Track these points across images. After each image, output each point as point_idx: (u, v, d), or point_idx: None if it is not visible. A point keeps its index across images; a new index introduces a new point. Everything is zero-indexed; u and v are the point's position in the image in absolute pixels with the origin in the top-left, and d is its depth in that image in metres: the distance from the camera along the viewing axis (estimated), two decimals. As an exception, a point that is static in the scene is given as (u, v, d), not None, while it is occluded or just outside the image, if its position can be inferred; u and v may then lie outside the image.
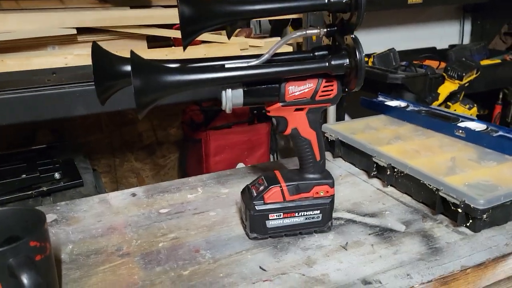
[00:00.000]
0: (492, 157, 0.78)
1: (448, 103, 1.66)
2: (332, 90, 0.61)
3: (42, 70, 1.10)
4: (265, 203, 0.64)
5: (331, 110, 1.53)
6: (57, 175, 1.23)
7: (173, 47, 1.29)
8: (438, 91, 1.59)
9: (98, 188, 1.34)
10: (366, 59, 1.66)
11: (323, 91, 0.61)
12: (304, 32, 0.60)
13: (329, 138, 0.94)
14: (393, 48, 1.72)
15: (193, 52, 1.28)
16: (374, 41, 1.95)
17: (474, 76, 1.58)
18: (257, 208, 0.63)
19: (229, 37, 0.62)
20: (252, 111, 1.58)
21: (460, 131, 0.85)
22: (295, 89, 0.60)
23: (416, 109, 0.98)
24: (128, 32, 1.24)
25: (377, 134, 0.93)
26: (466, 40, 2.39)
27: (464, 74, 1.53)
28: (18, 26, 1.13)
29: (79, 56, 1.16)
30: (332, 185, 0.66)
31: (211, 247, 0.64)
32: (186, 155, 1.71)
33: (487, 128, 0.84)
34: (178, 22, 1.35)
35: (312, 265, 0.59)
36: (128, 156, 1.81)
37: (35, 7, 1.23)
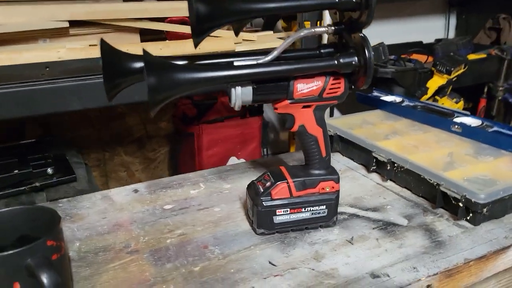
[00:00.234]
0: (489, 152, 0.80)
1: (436, 97, 1.69)
2: (339, 87, 0.62)
3: (34, 64, 1.08)
4: (272, 199, 0.65)
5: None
6: (50, 170, 1.22)
7: (167, 40, 1.28)
8: (427, 85, 1.62)
9: (91, 183, 1.33)
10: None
11: (330, 89, 0.62)
12: (313, 30, 0.61)
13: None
14: (383, 43, 1.74)
15: (186, 45, 1.27)
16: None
17: (462, 70, 1.62)
18: (264, 204, 0.64)
19: (237, 34, 0.62)
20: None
21: (456, 126, 0.87)
22: (303, 87, 0.61)
23: (411, 104, 1.00)
24: (121, 25, 1.23)
25: (374, 129, 0.94)
26: (451, 34, 2.43)
27: (452, 69, 1.56)
28: (6, 19, 1.11)
29: (72, 50, 1.14)
30: (337, 181, 0.67)
31: (219, 243, 0.65)
32: (178, 149, 1.71)
33: (483, 123, 0.86)
34: (171, 15, 1.32)
35: (320, 260, 0.61)
36: (118, 150, 1.79)
37: (23, -1, 1.21)
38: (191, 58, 0.61)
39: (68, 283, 0.52)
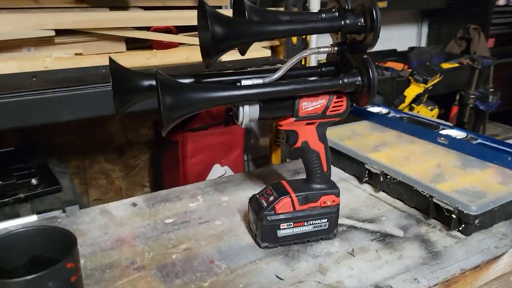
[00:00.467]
0: (475, 164, 0.84)
1: (413, 105, 1.75)
2: (342, 105, 0.64)
3: (21, 74, 1.06)
4: (276, 213, 0.66)
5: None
6: (34, 181, 1.20)
7: (154, 50, 1.28)
8: (405, 93, 1.68)
9: (75, 194, 1.31)
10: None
11: (333, 107, 0.64)
12: (317, 50, 0.63)
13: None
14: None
15: (174, 55, 1.28)
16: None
17: (438, 79, 1.68)
18: (269, 219, 0.66)
19: (243, 54, 0.63)
20: (228, 112, 1.59)
21: (442, 138, 0.91)
22: (308, 105, 0.63)
23: (397, 115, 1.04)
24: (107, 34, 1.22)
25: (364, 140, 0.97)
26: (423, 43, 2.52)
27: (429, 78, 1.62)
28: (-8, 27, 1.08)
29: (59, 59, 1.13)
30: (338, 195, 0.69)
31: (224, 257, 0.66)
32: (161, 157, 1.70)
33: (467, 136, 0.90)
34: (158, 24, 1.32)
35: (325, 273, 0.62)
36: (98, 157, 1.77)
37: (7, 6, 1.18)
38: (197, 76, 0.62)
39: (83, 304, 0.52)
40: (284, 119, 0.64)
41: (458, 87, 1.98)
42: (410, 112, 1.06)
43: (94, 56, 1.18)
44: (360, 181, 0.89)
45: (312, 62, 1.20)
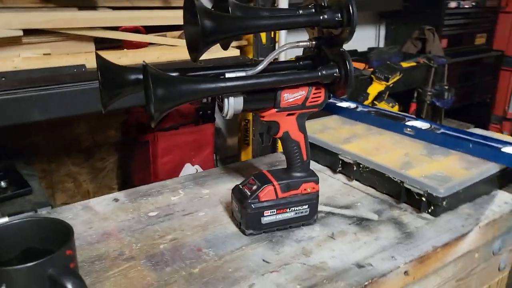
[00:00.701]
0: (439, 151, 0.90)
1: (375, 102, 1.82)
2: (320, 96, 0.68)
3: (-12, 74, 1.04)
4: (260, 201, 0.69)
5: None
6: (3, 184, 1.17)
7: (125, 50, 1.28)
8: (368, 91, 1.75)
9: (45, 196, 1.29)
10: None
11: (313, 98, 0.68)
12: (296, 44, 0.66)
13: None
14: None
15: (146, 54, 1.28)
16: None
17: (398, 77, 1.76)
18: (253, 206, 0.68)
19: (225, 49, 0.66)
20: (198, 112, 1.60)
21: (409, 129, 0.97)
22: (289, 96, 0.66)
23: (365, 110, 1.09)
24: (75, 34, 1.21)
25: (336, 133, 1.02)
26: (381, 44, 2.62)
27: (390, 76, 1.70)
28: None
29: (28, 59, 1.11)
30: (317, 182, 0.73)
31: (211, 245, 0.68)
32: (131, 157, 1.69)
33: (431, 126, 0.96)
34: (128, 24, 1.32)
35: (309, 255, 0.66)
36: (65, 160, 1.74)
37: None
38: (182, 70, 0.64)
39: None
40: (266, 110, 0.67)
41: (416, 84, 2.08)
42: (376, 107, 1.12)
43: (64, 56, 1.17)
44: (334, 171, 0.93)
45: (281, 57, 1.24)
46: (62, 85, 1.07)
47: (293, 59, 0.71)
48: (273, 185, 0.70)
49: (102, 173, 1.86)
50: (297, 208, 0.71)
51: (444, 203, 0.75)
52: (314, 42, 0.67)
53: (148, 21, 1.30)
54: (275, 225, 0.71)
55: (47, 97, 1.05)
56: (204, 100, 1.65)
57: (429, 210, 0.76)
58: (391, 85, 1.75)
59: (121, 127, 1.75)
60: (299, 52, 0.73)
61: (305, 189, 0.71)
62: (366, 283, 0.60)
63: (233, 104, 0.63)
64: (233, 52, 1.43)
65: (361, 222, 0.75)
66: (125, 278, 0.60)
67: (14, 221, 0.52)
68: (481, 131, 0.97)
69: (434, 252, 0.68)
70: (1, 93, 1.00)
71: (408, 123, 0.99)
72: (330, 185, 0.88)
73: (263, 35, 1.30)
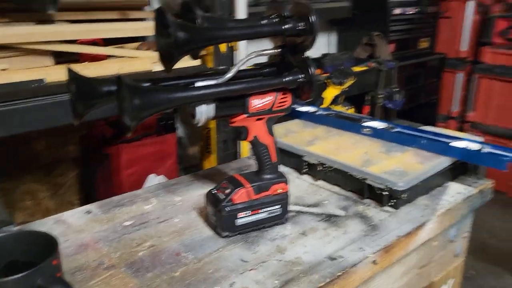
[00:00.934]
0: (396, 148, 0.96)
1: (331, 106, 1.89)
2: (286, 101, 0.72)
3: None
4: (233, 204, 0.72)
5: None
6: (-38, 204, 1.13)
7: (86, 62, 1.27)
8: (323, 95, 1.81)
9: (6, 214, 1.25)
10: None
11: (279, 103, 0.72)
12: (262, 52, 0.70)
13: (258, 143, 1.04)
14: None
15: (106, 67, 1.28)
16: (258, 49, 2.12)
17: (352, 81, 1.84)
18: (227, 209, 0.71)
19: (195, 58, 0.69)
20: (159, 122, 1.61)
21: (366, 129, 1.03)
22: (257, 102, 0.70)
23: (325, 113, 1.14)
24: (33, 48, 1.20)
25: (298, 136, 1.06)
26: (333, 50, 2.72)
27: (344, 81, 1.78)
28: None
29: (-15, 74, 1.09)
30: (286, 183, 0.76)
31: (189, 249, 0.70)
32: (94, 171, 1.67)
33: (387, 125, 1.03)
34: (88, 37, 1.32)
35: (284, 252, 0.69)
36: (23, 178, 1.69)
37: None
38: (153, 80, 0.66)
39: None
40: (236, 116, 0.70)
41: (368, 88, 2.18)
42: (334, 109, 1.18)
43: (22, 71, 1.16)
44: (300, 172, 0.97)
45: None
46: (23, 100, 1.06)
47: (252, 67, 0.75)
48: (246, 188, 0.73)
49: (62, 189, 1.82)
50: (269, 209, 0.75)
51: (404, 196, 0.81)
52: (278, 50, 0.71)
53: (107, 34, 1.31)
54: (249, 226, 0.74)
55: (8, 113, 1.03)
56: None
57: (391, 203, 0.82)
58: (345, 89, 1.83)
59: (82, 141, 1.72)
60: (258, 60, 0.76)
61: (275, 190, 0.75)
62: (339, 273, 0.64)
63: (205, 111, 0.66)
64: (193, 62, 1.45)
65: (329, 218, 0.79)
66: (108, 286, 0.61)
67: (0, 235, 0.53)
68: (432, 128, 1.04)
69: (398, 241, 0.73)
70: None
71: (365, 124, 1.04)
72: (298, 186, 0.92)
73: (222, 45, 1.33)
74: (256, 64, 0.73)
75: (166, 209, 0.83)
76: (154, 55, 1.41)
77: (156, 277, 0.63)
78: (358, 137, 1.04)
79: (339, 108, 1.88)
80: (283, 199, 0.76)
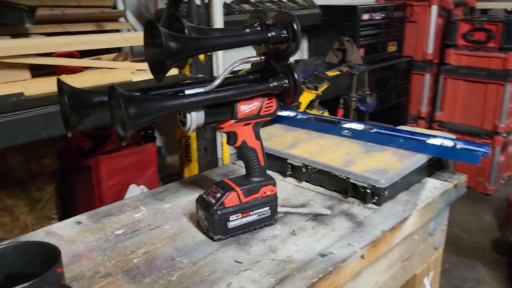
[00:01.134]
0: (375, 148, 1.00)
1: (307, 110, 1.94)
2: (272, 106, 0.75)
3: None
4: (225, 207, 0.74)
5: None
6: None
7: (63, 75, 1.27)
8: (299, 100, 1.85)
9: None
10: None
11: (266, 107, 0.74)
12: (247, 60, 0.73)
13: (242, 148, 1.07)
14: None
15: (86, 78, 1.28)
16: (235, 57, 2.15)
17: (326, 86, 1.89)
18: (220, 213, 0.73)
19: (182, 68, 0.70)
20: (139, 132, 1.61)
21: (346, 131, 1.07)
22: (245, 108, 0.72)
23: (304, 117, 1.18)
24: (11, 62, 1.19)
25: (281, 140, 1.09)
26: (305, 56, 2.77)
27: (319, 85, 1.82)
28: None
29: (-38, 90, 1.08)
30: (275, 185, 0.79)
31: (183, 253, 0.71)
32: (73, 184, 1.65)
33: (365, 127, 1.07)
34: (67, 49, 1.33)
35: (276, 251, 0.72)
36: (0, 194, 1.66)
37: None
38: (143, 90, 0.68)
39: (70, 309, 0.54)
40: (225, 122, 0.72)
41: (341, 92, 2.24)
42: (313, 113, 1.21)
43: (1, 85, 1.15)
44: (284, 175, 1.00)
45: (221, 72, 1.29)
46: (3, 114, 1.05)
47: (231, 75, 0.77)
48: (236, 191, 0.75)
49: (40, 203, 1.79)
50: (259, 211, 0.77)
51: (386, 192, 0.84)
52: (263, 57, 0.74)
53: (84, 46, 1.31)
54: (241, 228, 0.76)
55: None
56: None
57: (374, 200, 0.85)
58: (320, 94, 1.88)
59: (59, 155, 1.71)
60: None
61: (264, 192, 0.77)
62: (331, 269, 0.67)
63: (196, 118, 0.68)
64: (171, 71, 1.46)
65: (317, 217, 0.82)
66: (107, 293, 0.62)
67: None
68: (408, 128, 1.08)
69: (384, 236, 0.77)
70: None
71: (344, 126, 1.08)
72: (283, 188, 0.95)
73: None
74: (233, 72, 0.75)
75: (156, 216, 0.84)
76: (133, 65, 1.42)
77: (154, 282, 0.64)
78: (338, 139, 1.07)
79: (314, 112, 1.92)
80: (272, 201, 0.78)
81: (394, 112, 3.16)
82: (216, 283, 0.64)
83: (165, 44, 0.57)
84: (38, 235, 0.78)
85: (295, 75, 0.71)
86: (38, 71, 1.31)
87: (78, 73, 1.36)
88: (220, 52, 1.40)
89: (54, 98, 1.15)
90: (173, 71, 1.47)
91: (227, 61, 1.45)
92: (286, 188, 0.95)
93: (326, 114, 2.00)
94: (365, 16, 2.65)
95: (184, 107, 0.65)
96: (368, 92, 2.27)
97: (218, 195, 0.75)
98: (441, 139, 0.96)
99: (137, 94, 0.65)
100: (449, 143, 0.94)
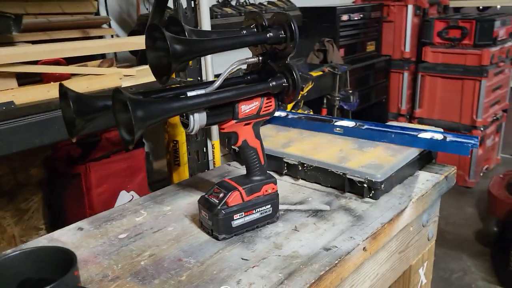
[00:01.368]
0: (367, 144, 1.02)
1: (292, 110, 1.96)
2: (271, 105, 0.76)
3: None
4: (229, 207, 0.75)
5: (215, 128, 1.67)
6: None
7: (52, 83, 1.26)
8: (285, 101, 1.88)
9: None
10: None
11: (265, 107, 0.76)
12: (246, 61, 0.74)
13: (237, 149, 1.08)
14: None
15: (75, 85, 1.26)
16: (226, 60, 2.16)
17: (310, 86, 1.92)
18: (224, 212, 0.74)
19: (183, 71, 0.71)
20: (127, 139, 1.60)
21: (338, 128, 1.09)
22: (245, 108, 0.73)
23: (295, 116, 1.20)
24: (-3, 71, 1.17)
25: (274, 140, 1.10)
26: (287, 57, 2.80)
27: (304, 86, 1.85)
28: None
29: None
30: (275, 183, 0.80)
31: (190, 254, 0.72)
32: (62, 193, 1.63)
33: (356, 124, 1.09)
34: (52, 56, 1.32)
35: (281, 248, 0.73)
36: (-15, 206, 1.63)
37: None
38: (144, 93, 0.69)
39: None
40: (226, 122, 0.73)
41: (325, 91, 2.27)
42: (304, 113, 1.23)
43: (-12, 95, 1.13)
44: (280, 174, 1.01)
45: (210, 76, 1.31)
46: (-5, 123, 1.04)
47: (229, 77, 0.78)
48: (239, 190, 0.76)
49: (27, 214, 1.76)
50: (262, 209, 0.78)
51: (382, 186, 0.87)
52: (260, 58, 0.75)
53: (71, 52, 1.30)
54: (244, 226, 0.77)
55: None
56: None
57: (370, 195, 0.88)
58: (305, 94, 1.90)
59: (46, 164, 1.68)
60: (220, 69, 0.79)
61: (266, 190, 0.79)
62: (336, 261, 0.69)
63: (198, 120, 0.69)
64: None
65: (316, 213, 0.84)
66: (118, 296, 0.62)
67: (9, 255, 0.53)
68: (396, 123, 1.11)
69: (383, 228, 0.79)
70: None
71: (336, 123, 1.11)
72: (280, 187, 0.96)
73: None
74: (217, 76, 0.76)
75: (158, 219, 0.84)
76: (120, 71, 1.42)
77: (164, 282, 0.65)
78: (331, 137, 1.09)
79: (300, 112, 1.95)
80: (273, 199, 0.79)
81: (374, 111, 3.21)
82: (225, 280, 0.65)
83: (170, 46, 0.58)
84: (41, 243, 0.78)
85: (294, 74, 0.72)
86: (24, 79, 1.30)
87: (65, 80, 1.35)
88: (208, 56, 1.41)
89: (45, 106, 1.16)
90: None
91: (216, 65, 1.46)
92: (283, 186, 0.97)
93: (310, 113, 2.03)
94: (344, 17, 2.70)
95: (188, 108, 0.66)
96: (351, 91, 2.31)
97: (221, 195, 0.76)
98: (431, 133, 0.99)
99: (141, 97, 0.65)
100: (439, 137, 0.97)
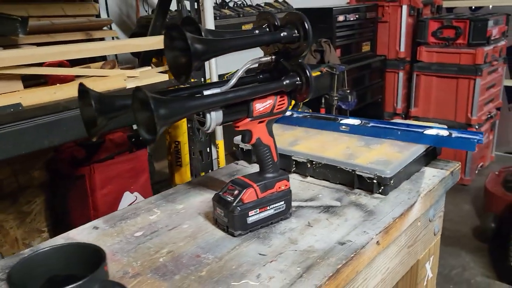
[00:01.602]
0: (374, 141, 1.04)
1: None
2: (284, 103, 0.78)
3: None
4: (244, 203, 0.76)
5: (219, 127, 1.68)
6: None
7: (58, 84, 1.26)
8: (286, 101, 1.89)
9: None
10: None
11: (278, 105, 0.77)
12: (259, 60, 0.75)
13: (244, 148, 1.09)
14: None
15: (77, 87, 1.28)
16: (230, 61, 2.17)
17: (310, 86, 1.93)
18: (239, 209, 0.75)
19: (199, 69, 0.73)
20: (130, 139, 1.61)
21: (344, 126, 1.11)
22: (260, 106, 0.75)
23: (300, 115, 1.21)
24: (4, 73, 1.18)
25: (281, 138, 1.12)
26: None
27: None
28: None
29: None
30: (288, 180, 0.81)
31: (207, 250, 0.73)
32: (65, 194, 1.63)
33: (362, 122, 1.11)
34: (58, 58, 1.33)
35: (296, 243, 0.74)
36: (-12, 209, 1.63)
37: None
38: (162, 93, 0.70)
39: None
40: (241, 120, 0.75)
41: (323, 91, 2.29)
42: (309, 112, 1.25)
43: (-3, 96, 1.14)
44: (289, 171, 1.03)
45: (214, 76, 1.31)
46: (4, 125, 1.04)
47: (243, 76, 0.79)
48: (253, 187, 0.77)
49: (30, 217, 1.76)
50: (276, 205, 0.80)
51: (392, 182, 0.89)
52: (273, 57, 0.77)
53: (76, 54, 1.30)
54: (259, 223, 0.78)
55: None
56: (135, 126, 1.66)
57: (380, 190, 0.89)
58: (305, 94, 1.92)
59: (48, 166, 1.68)
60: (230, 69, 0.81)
61: (279, 187, 0.80)
62: (352, 255, 0.70)
63: (215, 118, 0.70)
64: (161, 77, 1.47)
65: (328, 209, 0.86)
66: (141, 292, 0.63)
67: (41, 250, 0.54)
68: (400, 120, 1.13)
69: (394, 223, 0.81)
70: None
71: (342, 122, 1.12)
72: (290, 184, 0.98)
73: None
74: (220, 76, 0.77)
75: (172, 217, 0.85)
76: (123, 72, 1.43)
77: (184, 278, 0.66)
78: (337, 135, 1.11)
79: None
80: (286, 195, 0.81)
81: (370, 110, 3.24)
82: (245, 275, 0.66)
83: (191, 46, 0.59)
84: (57, 242, 0.78)
85: (307, 72, 0.74)
86: (29, 81, 1.30)
87: (69, 82, 1.35)
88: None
89: (52, 107, 1.16)
90: (163, 77, 1.48)
91: (220, 65, 1.47)
92: (292, 184, 0.97)
93: (310, 113, 2.05)
94: (341, 18, 2.73)
95: (206, 107, 0.67)
96: (348, 91, 2.33)
97: (236, 192, 0.77)
98: (436, 130, 1.01)
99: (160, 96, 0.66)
100: (444, 133, 0.99)
